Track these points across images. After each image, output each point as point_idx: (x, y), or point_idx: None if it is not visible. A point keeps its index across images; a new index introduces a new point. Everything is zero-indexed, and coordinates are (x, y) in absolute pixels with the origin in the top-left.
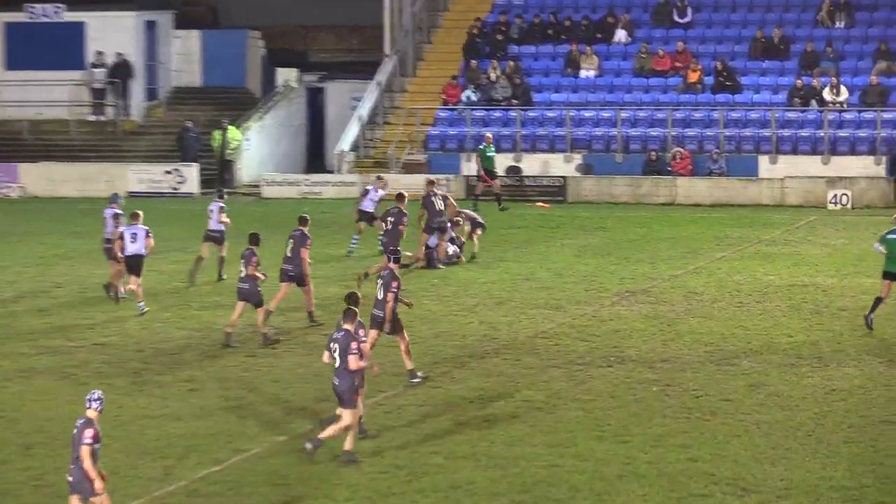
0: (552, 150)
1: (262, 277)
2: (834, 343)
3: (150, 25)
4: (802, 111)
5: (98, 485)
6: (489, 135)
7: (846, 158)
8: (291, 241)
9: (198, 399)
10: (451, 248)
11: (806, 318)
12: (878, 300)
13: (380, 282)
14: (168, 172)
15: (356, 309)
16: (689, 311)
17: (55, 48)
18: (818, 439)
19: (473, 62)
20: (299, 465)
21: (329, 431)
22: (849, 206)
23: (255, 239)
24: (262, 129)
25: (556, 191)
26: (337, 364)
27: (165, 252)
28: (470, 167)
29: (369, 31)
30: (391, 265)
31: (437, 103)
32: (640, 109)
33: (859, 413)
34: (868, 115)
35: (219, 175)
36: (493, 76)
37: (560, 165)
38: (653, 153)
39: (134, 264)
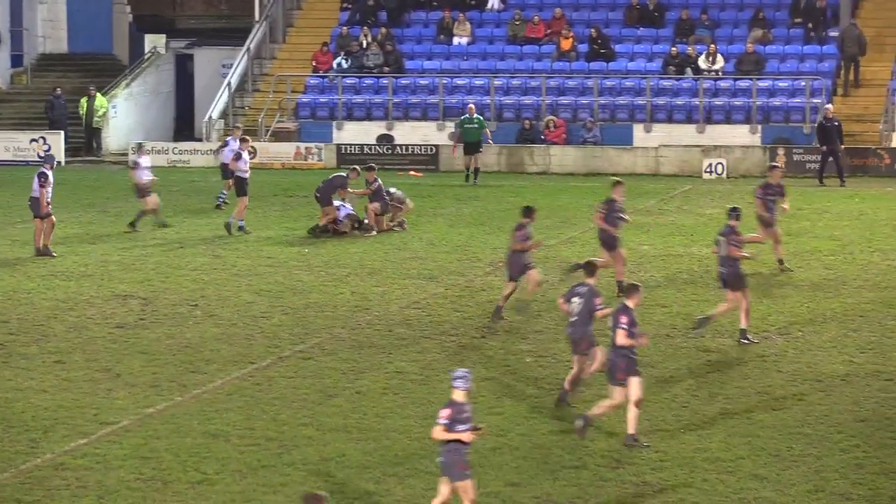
0: (424, 118)
1: (535, 247)
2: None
3: None
4: (677, 79)
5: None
6: (471, 105)
7: (721, 127)
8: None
9: (64, 371)
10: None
11: (681, 289)
12: None
13: (724, 239)
14: (34, 140)
15: (640, 285)
16: (563, 281)
17: None
18: (693, 411)
19: (344, 29)
20: (168, 438)
21: (600, 409)
22: (724, 175)
23: (527, 212)
24: (129, 96)
25: (428, 159)
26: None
27: (30, 221)
28: (341, 136)
29: None
30: (732, 222)
31: (307, 71)
32: (514, 77)
33: (734, 384)
34: (744, 84)
35: (86, 143)
36: (364, 43)
37: (433, 134)
38: (526, 122)
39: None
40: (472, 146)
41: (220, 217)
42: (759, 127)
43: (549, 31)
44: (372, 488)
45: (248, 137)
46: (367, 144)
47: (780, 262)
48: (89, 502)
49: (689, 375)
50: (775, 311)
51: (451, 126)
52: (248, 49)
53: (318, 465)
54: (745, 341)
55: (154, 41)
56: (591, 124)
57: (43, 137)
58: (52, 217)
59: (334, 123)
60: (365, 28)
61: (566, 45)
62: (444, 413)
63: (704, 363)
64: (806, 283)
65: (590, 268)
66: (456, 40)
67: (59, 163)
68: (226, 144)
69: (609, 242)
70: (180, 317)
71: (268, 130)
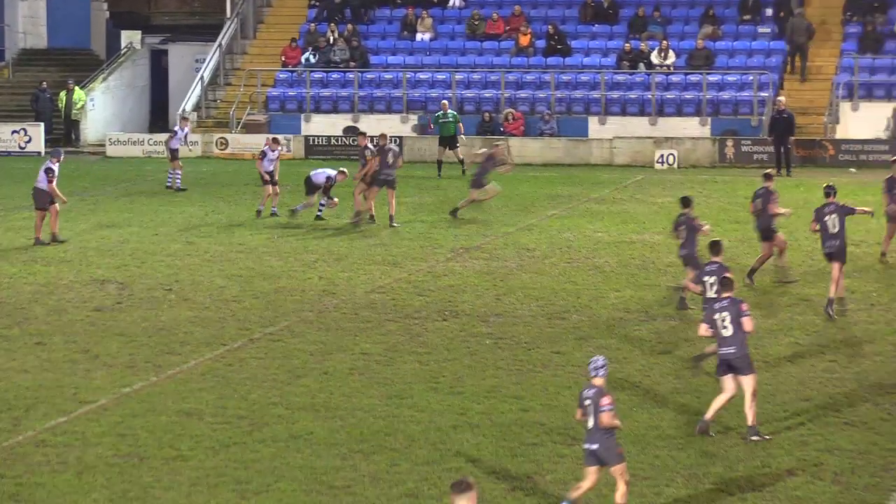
0: (389, 111)
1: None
2: (659, 297)
3: None
4: (631, 74)
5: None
6: (444, 101)
7: (673, 120)
8: (759, 198)
9: (45, 352)
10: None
11: (633, 274)
12: None
13: (834, 216)
14: (15, 132)
15: (732, 277)
16: (521, 266)
17: None
18: (646, 390)
19: (312, 25)
20: (143, 416)
21: (749, 411)
22: (675, 165)
23: (685, 202)
24: (106, 89)
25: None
26: (730, 333)
27: (12, 210)
28: (309, 128)
29: None
30: (833, 199)
31: (277, 65)
32: (474, 72)
33: (685, 365)
34: (694, 78)
35: (65, 134)
36: (331, 39)
37: (396, 126)
38: (486, 114)
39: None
40: (448, 140)
41: (188, 204)
42: (709, 119)
43: (507, 27)
44: (338, 464)
45: (278, 138)
46: (334, 136)
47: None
48: (69, 478)
49: (641, 356)
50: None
51: (414, 119)
52: (220, 45)
53: (288, 443)
54: (833, 312)
55: (130, 37)
56: (548, 117)
57: (24, 129)
58: (45, 211)
59: (302, 116)
60: (332, 24)
61: (524, 41)
62: (607, 400)
63: (655, 344)
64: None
65: (716, 247)
66: (419, 36)
67: (39, 153)
68: (175, 134)
69: (766, 231)
70: (155, 300)
71: (239, 123)
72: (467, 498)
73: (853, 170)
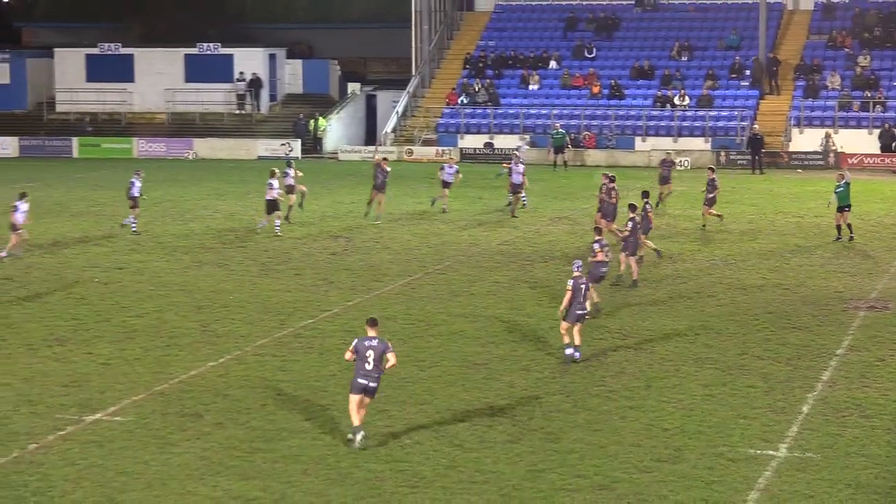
0: (511, 132)
1: None
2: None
3: (272, 57)
4: (661, 110)
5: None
6: (556, 123)
7: (688, 139)
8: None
9: (300, 279)
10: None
11: (658, 228)
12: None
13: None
14: (283, 144)
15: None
16: (590, 228)
17: (214, 70)
18: (648, 297)
19: (465, 80)
20: (360, 320)
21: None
22: (689, 167)
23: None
24: (339, 119)
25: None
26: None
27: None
28: (463, 143)
29: (403, 60)
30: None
31: (442, 104)
32: (564, 109)
33: (693, 290)
34: (701, 113)
35: (313, 146)
36: (477, 88)
37: (516, 141)
38: (571, 134)
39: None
40: (558, 148)
41: (387, 189)
42: (710, 139)
43: (585, 81)
44: (479, 350)
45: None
46: (478, 148)
47: None
48: (314, 357)
49: (660, 284)
50: (719, 249)
51: (528, 137)
52: (409, 91)
53: (448, 337)
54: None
55: (353, 87)
56: (610, 136)
57: (288, 142)
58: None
59: (458, 135)
60: (477, 79)
61: (595, 90)
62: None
63: (678, 282)
64: (736, 232)
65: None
66: (531, 87)
67: (297, 157)
68: (443, 168)
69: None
70: (368, 248)
71: (420, 139)
72: (376, 329)
73: (800, 171)
